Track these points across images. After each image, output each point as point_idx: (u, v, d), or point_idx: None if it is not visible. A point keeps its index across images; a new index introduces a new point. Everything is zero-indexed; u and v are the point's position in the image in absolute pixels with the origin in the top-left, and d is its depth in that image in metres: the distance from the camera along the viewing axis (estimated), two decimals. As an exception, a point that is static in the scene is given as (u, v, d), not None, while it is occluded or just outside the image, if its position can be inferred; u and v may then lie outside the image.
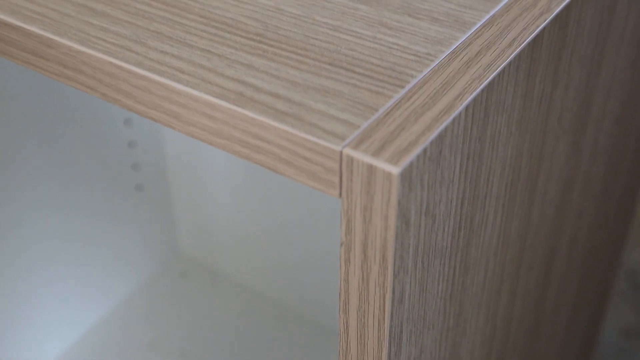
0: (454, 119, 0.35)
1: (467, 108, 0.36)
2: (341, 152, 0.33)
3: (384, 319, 0.36)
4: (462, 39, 0.39)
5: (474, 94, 0.36)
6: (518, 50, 0.39)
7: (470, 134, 0.37)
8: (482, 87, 0.36)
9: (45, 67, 0.41)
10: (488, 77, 0.37)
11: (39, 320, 0.85)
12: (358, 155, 0.33)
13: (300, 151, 0.34)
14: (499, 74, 0.38)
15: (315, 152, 0.34)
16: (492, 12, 0.42)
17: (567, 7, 0.42)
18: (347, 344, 0.39)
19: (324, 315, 0.94)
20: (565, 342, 0.80)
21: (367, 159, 0.32)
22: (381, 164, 0.32)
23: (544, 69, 0.43)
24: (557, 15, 0.42)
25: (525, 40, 0.39)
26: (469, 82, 0.36)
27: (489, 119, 0.38)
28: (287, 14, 0.42)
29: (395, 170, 0.32)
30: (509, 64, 0.38)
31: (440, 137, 0.34)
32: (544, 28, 0.41)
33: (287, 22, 0.41)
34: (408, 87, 0.36)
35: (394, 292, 0.36)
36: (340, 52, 0.39)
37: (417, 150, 0.33)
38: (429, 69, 0.37)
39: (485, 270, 0.47)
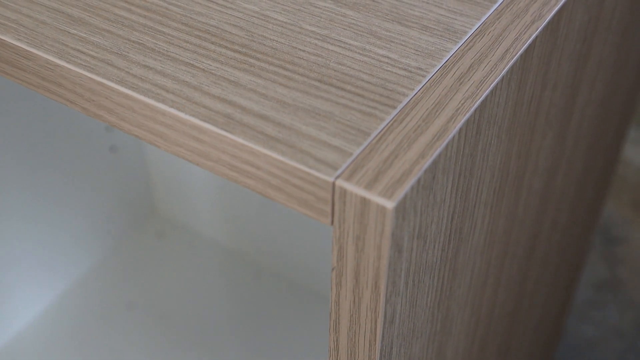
0: (447, 143, 0.34)
1: (460, 130, 0.35)
2: (334, 183, 0.32)
3: (375, 339, 0.36)
4: (454, 51, 0.39)
5: (467, 115, 0.35)
6: (510, 63, 0.38)
7: (462, 153, 0.36)
8: (475, 106, 0.36)
9: (22, 77, 0.40)
10: (481, 96, 0.36)
11: (15, 282, 0.85)
12: (351, 187, 0.32)
13: (292, 179, 0.33)
14: (491, 91, 0.37)
15: (307, 182, 0.33)
16: (483, 19, 0.41)
17: (559, 11, 0.42)
18: (337, 361, 0.39)
19: (301, 274, 0.94)
20: (544, 310, 0.82)
21: (361, 192, 0.32)
22: (375, 198, 0.31)
23: (534, 75, 0.42)
24: (549, 21, 0.41)
25: (517, 52, 0.38)
26: (462, 102, 0.36)
27: (480, 135, 0.38)
28: (272, 21, 0.40)
29: (389, 204, 0.31)
30: (502, 78, 0.37)
31: (434, 163, 0.34)
32: (536, 37, 0.40)
33: (273, 31, 0.40)
34: (400, 107, 0.35)
35: (385, 316, 0.36)
36: (329, 67, 0.37)
37: (412, 181, 0.32)
38: (420, 86, 0.37)
39: (471, 271, 0.47)
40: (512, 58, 0.38)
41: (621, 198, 1.45)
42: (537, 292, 0.72)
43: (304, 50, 0.38)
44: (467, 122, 0.35)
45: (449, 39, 0.39)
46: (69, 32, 0.39)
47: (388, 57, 0.38)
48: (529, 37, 0.39)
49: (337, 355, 0.38)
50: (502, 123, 0.40)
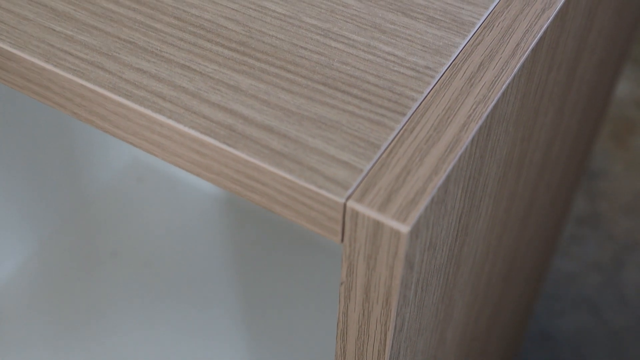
0: (460, 155, 0.33)
1: (472, 138, 0.33)
2: (345, 204, 0.31)
3: (384, 349, 0.36)
4: (462, 46, 0.37)
5: (480, 122, 0.34)
6: (522, 60, 0.36)
7: (473, 158, 0.35)
8: (487, 112, 0.34)
9: (6, 78, 0.37)
10: (493, 99, 0.35)
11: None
12: (363, 209, 0.31)
13: (300, 198, 0.32)
14: (503, 92, 0.35)
15: (317, 201, 0.32)
16: (491, 8, 0.39)
17: (569, -4, 0.40)
18: (344, 366, 0.38)
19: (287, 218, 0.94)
20: (534, 262, 0.82)
21: (373, 214, 0.30)
22: (389, 221, 0.30)
23: (542, 63, 0.40)
24: (560, 8, 0.39)
25: (529, 46, 0.37)
26: (474, 107, 0.34)
27: (490, 135, 0.36)
28: (270, 14, 0.38)
29: (404, 228, 0.30)
30: (513, 77, 0.36)
31: (447, 177, 0.32)
32: (547, 27, 0.38)
33: (272, 25, 0.37)
34: (409, 113, 0.34)
35: (395, 327, 0.35)
36: (333, 67, 0.36)
37: (426, 200, 0.31)
38: (429, 88, 0.35)
39: (474, 258, 0.46)
40: (524, 53, 0.36)
41: (601, 130, 1.45)
42: (528, 251, 0.72)
43: (305, 48, 0.36)
44: (480, 128, 0.34)
45: (457, 32, 0.37)
46: (54, 30, 0.37)
47: (394, 55, 0.36)
48: (540, 29, 0.37)
49: (344, 361, 0.38)
50: (511, 117, 0.39)
